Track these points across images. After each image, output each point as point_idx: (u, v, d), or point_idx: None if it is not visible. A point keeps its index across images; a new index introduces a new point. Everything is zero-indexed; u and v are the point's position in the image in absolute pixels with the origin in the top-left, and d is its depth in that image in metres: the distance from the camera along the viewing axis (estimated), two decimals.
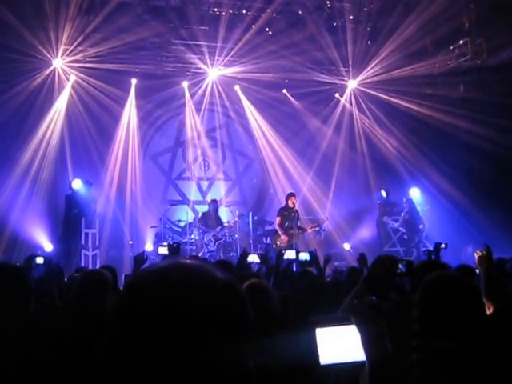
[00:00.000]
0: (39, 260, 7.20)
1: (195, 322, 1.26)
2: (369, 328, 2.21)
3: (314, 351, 2.28)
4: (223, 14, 16.60)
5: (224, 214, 17.56)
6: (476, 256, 5.33)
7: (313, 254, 7.69)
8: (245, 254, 8.50)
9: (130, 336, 1.27)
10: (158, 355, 1.24)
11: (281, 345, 2.40)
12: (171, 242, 13.14)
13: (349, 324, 2.31)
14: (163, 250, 8.48)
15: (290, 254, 8.87)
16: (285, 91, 18.92)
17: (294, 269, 8.88)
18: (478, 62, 16.57)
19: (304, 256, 7.94)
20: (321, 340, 2.32)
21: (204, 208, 18.06)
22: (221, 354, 1.27)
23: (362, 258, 7.35)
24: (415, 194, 17.79)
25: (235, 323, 1.32)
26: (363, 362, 2.24)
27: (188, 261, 1.43)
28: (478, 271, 6.90)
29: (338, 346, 2.32)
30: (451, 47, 17.03)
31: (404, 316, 2.56)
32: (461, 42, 16.80)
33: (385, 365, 2.17)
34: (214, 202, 16.97)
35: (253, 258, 8.69)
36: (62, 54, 16.28)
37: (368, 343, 2.21)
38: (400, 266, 5.17)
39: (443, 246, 7.33)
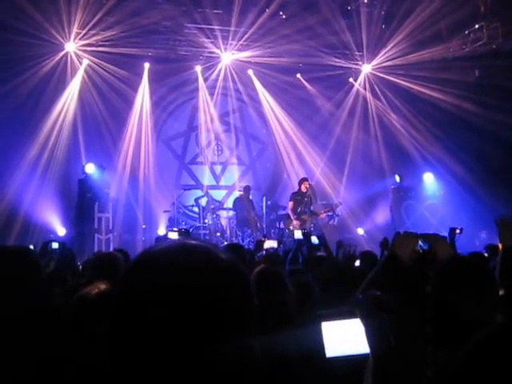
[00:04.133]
0: (55, 245, 7.31)
1: (196, 305, 1.23)
2: (372, 322, 2.22)
3: (319, 344, 2.30)
4: None
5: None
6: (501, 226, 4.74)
7: (321, 238, 7.62)
8: (260, 241, 8.41)
9: (130, 318, 1.25)
10: (157, 339, 1.22)
11: (287, 338, 2.40)
12: (182, 228, 13.30)
13: (354, 318, 2.32)
14: (173, 235, 8.54)
15: (297, 234, 8.84)
16: (299, 75, 18.82)
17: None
18: (494, 46, 16.35)
19: (312, 239, 7.88)
20: (326, 333, 2.33)
21: (218, 193, 18.28)
22: (225, 339, 1.24)
23: (385, 241, 7.11)
24: (429, 179, 17.79)
25: (238, 307, 1.29)
26: (368, 355, 2.24)
27: (192, 242, 1.40)
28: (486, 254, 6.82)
29: (343, 339, 2.34)
30: (466, 32, 16.79)
31: (408, 310, 2.56)
32: (476, 26, 16.54)
33: (388, 357, 2.17)
34: (246, 187, 17.18)
35: (270, 244, 8.65)
36: (75, 38, 16.29)
37: (371, 336, 2.22)
38: (420, 242, 5.00)
39: (458, 231, 6.87)
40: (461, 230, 7.01)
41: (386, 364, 2.15)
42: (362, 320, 2.25)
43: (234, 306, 1.28)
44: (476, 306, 2.73)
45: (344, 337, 2.32)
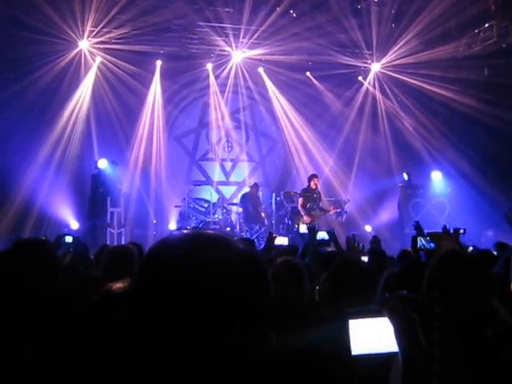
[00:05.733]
0: (68, 239, 7.42)
1: (215, 298, 1.19)
2: (401, 321, 2.27)
3: (346, 342, 2.39)
4: None
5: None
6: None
7: (331, 233, 7.58)
8: (272, 237, 8.36)
9: (146, 311, 1.22)
10: (171, 332, 1.19)
11: (313, 334, 2.43)
12: (193, 226, 13.35)
13: (381, 316, 2.38)
14: None
15: (302, 228, 8.79)
16: (308, 73, 18.91)
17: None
18: (504, 45, 16.34)
19: (322, 235, 7.83)
20: (353, 331, 2.45)
21: (228, 189, 18.43)
22: (243, 334, 1.21)
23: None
24: (437, 177, 17.85)
25: (258, 300, 1.25)
26: (395, 354, 2.30)
27: (209, 232, 1.36)
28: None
29: (370, 337, 2.46)
30: (476, 30, 16.82)
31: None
32: (486, 25, 16.54)
33: (418, 357, 2.22)
34: (254, 185, 17.33)
35: (280, 241, 8.61)
36: (88, 36, 16.47)
37: (401, 336, 2.27)
38: (424, 242, 4.98)
39: (462, 231, 7.00)
40: (464, 230, 7.11)
41: (416, 364, 2.20)
42: (391, 319, 2.29)
43: (251, 298, 1.25)
44: (471, 298, 2.68)
45: (371, 335, 2.43)
